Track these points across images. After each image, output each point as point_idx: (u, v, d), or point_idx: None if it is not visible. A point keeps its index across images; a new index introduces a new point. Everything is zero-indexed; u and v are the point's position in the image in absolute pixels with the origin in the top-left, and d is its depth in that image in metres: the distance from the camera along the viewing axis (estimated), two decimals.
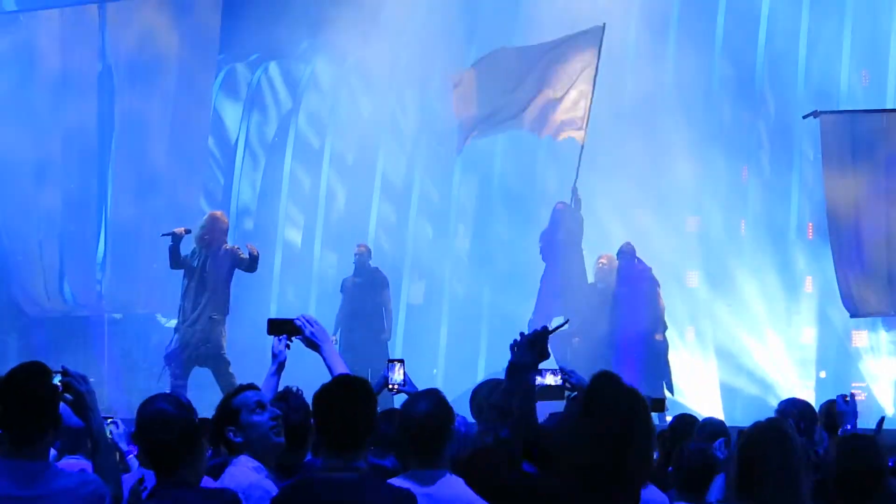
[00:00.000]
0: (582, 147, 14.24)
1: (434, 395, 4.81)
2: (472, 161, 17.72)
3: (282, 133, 18.29)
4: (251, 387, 5.07)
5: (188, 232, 12.63)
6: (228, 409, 4.92)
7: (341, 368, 5.29)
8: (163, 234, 12.72)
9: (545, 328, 4.60)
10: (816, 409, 7.27)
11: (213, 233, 12.51)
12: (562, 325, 4.86)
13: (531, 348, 4.53)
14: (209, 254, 12.43)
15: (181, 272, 12.65)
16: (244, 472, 4.72)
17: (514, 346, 4.56)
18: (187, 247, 12.67)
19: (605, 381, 3.44)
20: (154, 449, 4.50)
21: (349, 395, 4.41)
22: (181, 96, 16.22)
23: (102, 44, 16.34)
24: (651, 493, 5.62)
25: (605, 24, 14.35)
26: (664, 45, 16.00)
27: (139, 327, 16.68)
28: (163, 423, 4.75)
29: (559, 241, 14.44)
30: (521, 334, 4.58)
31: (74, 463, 5.53)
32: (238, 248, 12.62)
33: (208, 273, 12.40)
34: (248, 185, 18.23)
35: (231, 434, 4.86)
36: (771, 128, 16.63)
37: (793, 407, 7.00)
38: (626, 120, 14.24)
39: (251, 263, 12.57)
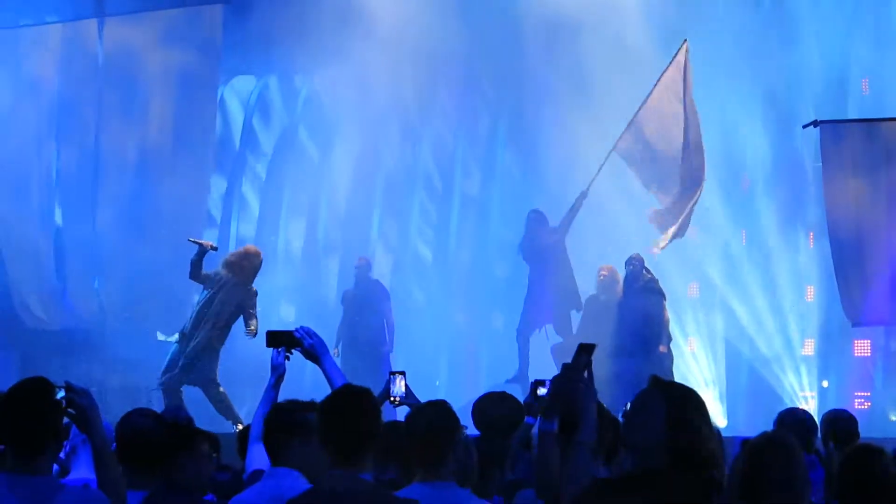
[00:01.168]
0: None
1: (440, 405, 4.79)
2: (473, 171, 17.75)
3: (282, 147, 18.27)
4: None
5: (214, 248, 12.59)
6: (296, 424, 4.79)
7: (341, 380, 5.28)
8: (189, 240, 12.57)
9: (580, 360, 3.96)
10: (818, 419, 7.28)
11: (240, 264, 12.41)
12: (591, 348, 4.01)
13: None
14: (228, 282, 12.37)
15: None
16: (291, 482, 4.69)
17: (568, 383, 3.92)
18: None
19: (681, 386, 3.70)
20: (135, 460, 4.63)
21: (353, 406, 4.41)
22: (183, 111, 16.20)
23: (99, 59, 16.30)
24: None
25: (686, 39, 14.01)
26: (664, 47, 15.96)
27: (141, 340, 16.65)
28: (138, 436, 4.83)
29: (541, 247, 14.37)
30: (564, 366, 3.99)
31: (78, 477, 5.53)
32: (255, 296, 12.45)
33: (219, 300, 12.33)
34: (249, 197, 18.23)
35: (279, 440, 4.80)
36: (771, 137, 16.62)
37: (792, 417, 6.98)
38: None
39: (254, 325, 12.37)
